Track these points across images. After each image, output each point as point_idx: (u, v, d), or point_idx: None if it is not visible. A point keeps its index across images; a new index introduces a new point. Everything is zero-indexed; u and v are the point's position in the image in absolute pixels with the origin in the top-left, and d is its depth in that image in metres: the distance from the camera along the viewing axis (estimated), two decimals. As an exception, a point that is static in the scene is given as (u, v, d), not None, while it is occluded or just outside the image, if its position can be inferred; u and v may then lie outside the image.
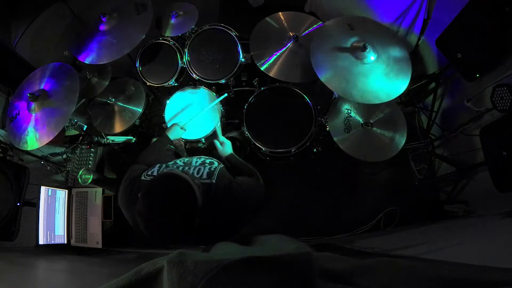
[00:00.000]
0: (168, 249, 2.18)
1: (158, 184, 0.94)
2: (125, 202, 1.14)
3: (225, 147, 1.50)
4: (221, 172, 1.16)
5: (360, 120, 1.80)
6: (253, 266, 0.60)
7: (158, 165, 1.20)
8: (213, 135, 1.88)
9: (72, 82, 1.70)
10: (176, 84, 2.01)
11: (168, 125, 1.88)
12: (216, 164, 1.20)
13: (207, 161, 1.21)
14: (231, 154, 1.47)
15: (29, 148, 1.64)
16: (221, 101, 1.90)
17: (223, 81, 1.89)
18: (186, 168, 1.17)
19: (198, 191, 0.95)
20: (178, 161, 1.25)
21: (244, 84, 2.08)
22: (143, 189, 0.93)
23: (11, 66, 2.13)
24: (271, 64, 1.80)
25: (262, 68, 1.79)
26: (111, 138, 1.92)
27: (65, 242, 1.87)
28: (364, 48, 1.57)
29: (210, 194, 1.06)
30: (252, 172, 1.29)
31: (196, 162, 1.21)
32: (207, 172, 1.14)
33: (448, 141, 2.14)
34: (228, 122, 2.07)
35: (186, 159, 1.25)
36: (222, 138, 1.53)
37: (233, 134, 2.08)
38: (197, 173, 1.14)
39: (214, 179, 1.11)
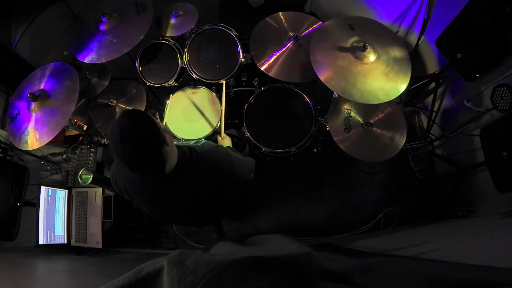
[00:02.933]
0: (169, 249, 2.18)
1: (121, 114, 0.96)
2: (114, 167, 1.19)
3: (225, 140, 1.58)
4: (208, 142, 1.24)
5: (360, 120, 1.80)
6: (253, 266, 0.60)
7: None
8: (214, 134, 1.89)
9: (72, 82, 1.70)
10: (176, 84, 2.01)
11: (168, 124, 1.88)
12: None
13: (201, 141, 1.26)
14: (228, 147, 1.52)
15: (29, 148, 1.64)
16: (221, 100, 1.91)
17: (223, 81, 1.89)
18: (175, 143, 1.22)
19: (158, 122, 0.98)
20: None
21: (244, 84, 2.08)
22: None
23: (11, 66, 2.13)
24: (271, 64, 1.80)
25: (262, 68, 1.79)
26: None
27: (65, 242, 1.87)
28: (364, 48, 1.57)
29: (192, 149, 1.10)
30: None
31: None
32: (194, 141, 1.20)
33: (448, 141, 2.14)
34: (228, 122, 2.07)
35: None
36: (223, 134, 1.62)
37: (231, 131, 2.08)
38: (185, 142, 1.20)
39: (199, 143, 1.19)
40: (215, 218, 1.61)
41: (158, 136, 0.94)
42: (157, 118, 1.04)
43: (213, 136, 1.90)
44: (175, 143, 1.22)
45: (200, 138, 1.86)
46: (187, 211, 1.24)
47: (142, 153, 0.91)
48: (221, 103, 1.87)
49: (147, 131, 0.92)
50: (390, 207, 2.11)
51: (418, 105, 2.35)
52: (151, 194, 1.14)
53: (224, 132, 1.67)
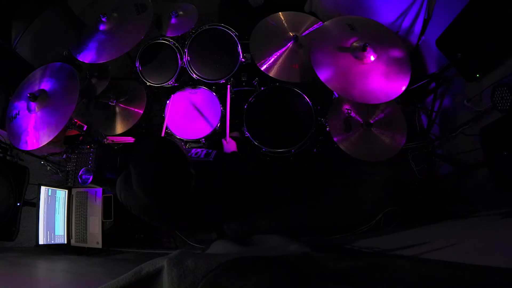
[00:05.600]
0: (169, 249, 2.18)
1: (148, 147, 0.93)
2: (123, 184, 1.15)
3: (230, 145, 1.57)
4: (218, 153, 1.20)
5: (360, 120, 1.80)
6: (252, 266, 0.60)
7: None
8: (214, 134, 1.88)
9: (72, 82, 1.70)
10: (176, 84, 2.01)
11: (168, 125, 1.88)
12: (215, 151, 1.23)
13: (209, 150, 1.24)
14: (234, 152, 1.52)
15: (29, 148, 1.64)
16: (221, 101, 1.91)
17: (223, 81, 1.89)
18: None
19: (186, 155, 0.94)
20: None
21: (244, 84, 2.08)
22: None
23: (11, 66, 2.13)
24: (271, 64, 1.80)
25: (262, 68, 1.79)
26: (111, 138, 1.92)
27: (65, 242, 1.87)
28: (364, 48, 1.57)
29: (207, 169, 1.09)
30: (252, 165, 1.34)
31: (196, 149, 1.24)
32: (205, 153, 1.18)
33: (448, 141, 2.14)
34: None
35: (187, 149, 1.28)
36: (228, 138, 1.61)
37: (234, 134, 2.08)
38: (195, 155, 1.18)
39: (211, 157, 1.16)
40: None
41: (190, 174, 0.92)
42: (182, 145, 1.01)
43: (213, 136, 1.90)
44: None
45: (200, 139, 1.86)
46: (196, 225, 1.25)
47: (172, 192, 0.90)
48: (223, 105, 1.87)
49: (181, 172, 0.89)
50: (390, 207, 2.10)
51: (418, 105, 2.35)
52: (165, 217, 1.15)
53: (230, 134, 1.67)
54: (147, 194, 0.89)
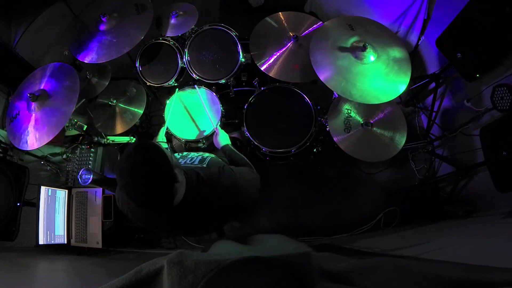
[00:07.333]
0: (169, 249, 2.19)
1: (128, 149, 0.92)
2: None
3: (219, 137, 1.54)
4: (213, 158, 1.17)
5: (360, 120, 1.80)
6: (253, 266, 0.60)
7: None
8: (213, 135, 1.88)
9: (72, 82, 1.70)
10: (176, 84, 2.01)
11: (168, 125, 1.88)
12: (212, 155, 1.21)
13: (205, 155, 1.21)
14: (226, 145, 1.49)
15: (29, 148, 1.64)
16: (221, 101, 1.91)
17: (223, 81, 1.89)
18: (181, 160, 1.18)
19: (169, 157, 0.93)
20: (175, 154, 1.26)
21: (244, 84, 2.08)
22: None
23: (11, 66, 2.13)
24: (271, 64, 1.80)
25: (262, 68, 1.79)
26: (111, 138, 1.92)
27: (65, 242, 1.87)
28: (364, 48, 1.57)
29: (199, 177, 1.05)
30: (247, 163, 1.30)
31: (193, 155, 1.21)
32: (199, 159, 1.15)
33: (448, 141, 2.14)
34: (228, 122, 2.08)
35: (184, 153, 1.25)
36: (219, 128, 1.57)
37: (234, 134, 2.08)
38: (190, 160, 1.15)
39: (205, 163, 1.13)
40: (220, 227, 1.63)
41: (170, 175, 0.91)
42: (168, 149, 1.00)
43: (213, 136, 1.90)
44: (178, 158, 1.19)
45: (200, 139, 1.86)
46: (192, 232, 1.23)
47: (151, 193, 0.90)
48: (222, 105, 1.87)
49: (159, 172, 0.89)
50: (390, 207, 2.11)
51: (418, 105, 2.35)
52: (157, 223, 1.14)
53: (229, 135, 1.64)
54: (129, 196, 0.90)
